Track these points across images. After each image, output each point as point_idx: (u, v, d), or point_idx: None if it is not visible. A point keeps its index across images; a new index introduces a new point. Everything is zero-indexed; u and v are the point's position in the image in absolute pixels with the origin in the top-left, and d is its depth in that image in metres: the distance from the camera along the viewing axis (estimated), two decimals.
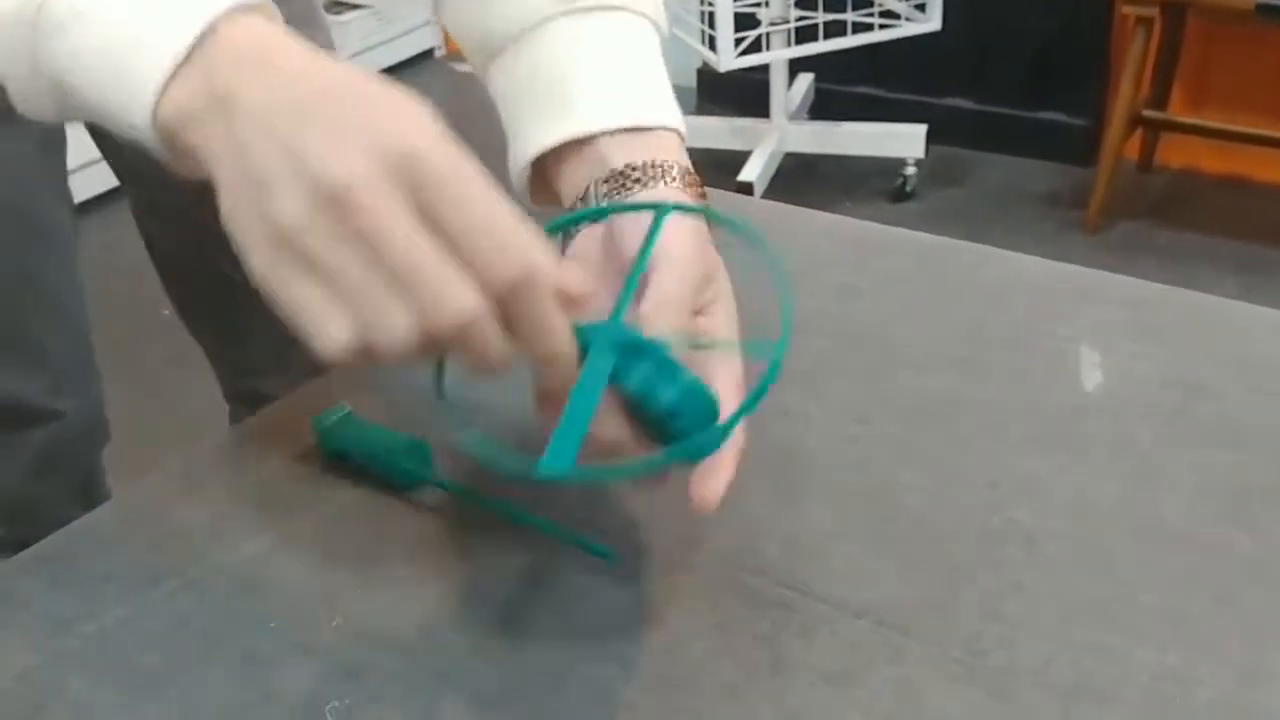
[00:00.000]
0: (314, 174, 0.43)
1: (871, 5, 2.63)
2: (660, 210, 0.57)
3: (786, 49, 2.67)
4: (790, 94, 2.89)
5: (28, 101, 0.55)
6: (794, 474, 0.70)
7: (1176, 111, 2.77)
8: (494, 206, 0.45)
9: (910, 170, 2.82)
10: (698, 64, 2.99)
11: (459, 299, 0.43)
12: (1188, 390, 0.75)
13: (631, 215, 0.59)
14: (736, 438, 0.56)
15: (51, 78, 0.53)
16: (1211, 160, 2.80)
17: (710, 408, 0.53)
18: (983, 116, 2.96)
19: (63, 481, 1.02)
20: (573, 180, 0.63)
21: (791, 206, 1.01)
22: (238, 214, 0.46)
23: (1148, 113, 2.65)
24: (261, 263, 0.45)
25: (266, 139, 0.44)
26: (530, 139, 0.64)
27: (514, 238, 0.44)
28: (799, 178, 2.88)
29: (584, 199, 0.62)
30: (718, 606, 0.62)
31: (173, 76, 0.48)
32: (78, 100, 0.52)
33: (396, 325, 0.43)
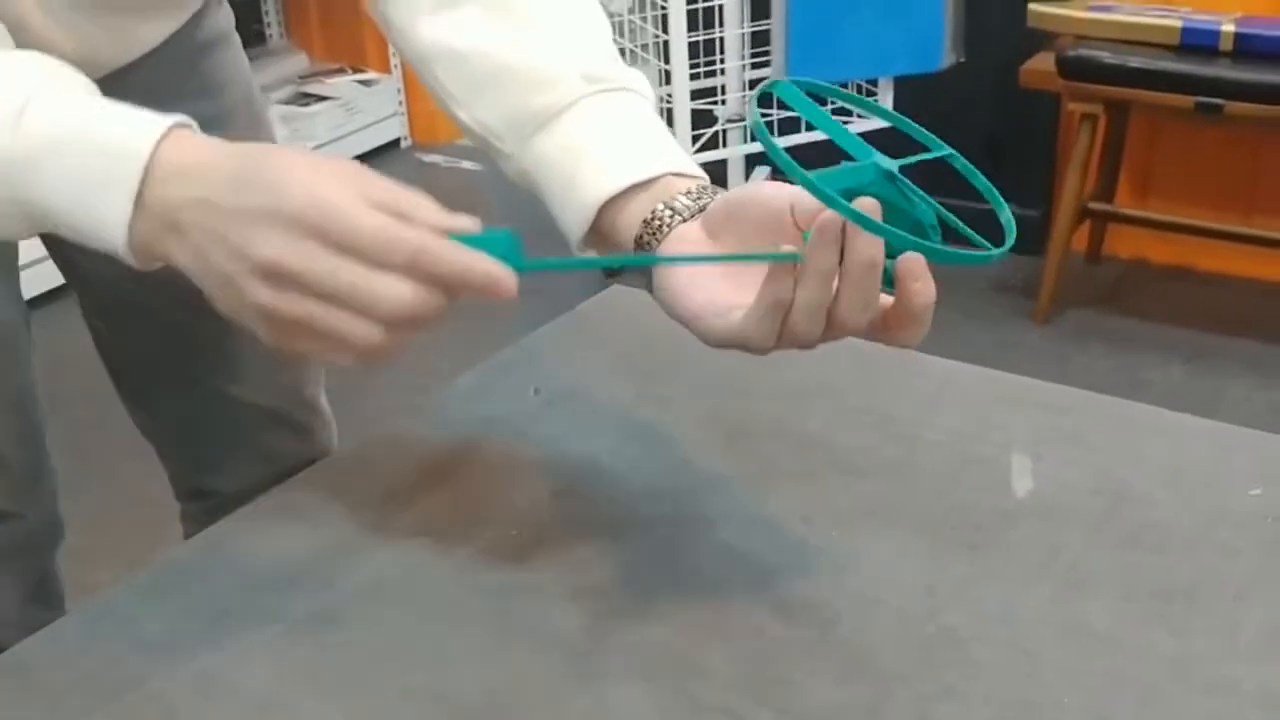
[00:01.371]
0: (255, 262, 0.59)
1: (825, 102, 2.70)
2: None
3: (742, 145, 2.73)
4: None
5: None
6: (735, 581, 0.72)
7: (1123, 203, 2.84)
8: (369, 221, 0.59)
9: None
10: None
11: (388, 292, 0.59)
12: (1115, 496, 0.78)
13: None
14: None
15: (28, 206, 0.63)
16: (1158, 250, 2.87)
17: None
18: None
19: (17, 582, 1.03)
20: (638, 211, 0.73)
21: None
22: (225, 305, 0.62)
23: (1094, 205, 2.72)
24: (264, 334, 0.62)
25: (215, 247, 0.60)
26: (596, 187, 0.74)
27: (391, 232, 0.59)
28: None
29: (650, 221, 0.73)
30: (659, 713, 0.64)
31: (133, 217, 0.61)
32: (55, 226, 0.64)
33: (359, 333, 0.60)
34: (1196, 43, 2.43)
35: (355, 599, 0.72)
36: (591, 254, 0.78)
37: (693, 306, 0.68)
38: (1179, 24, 2.44)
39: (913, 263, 0.62)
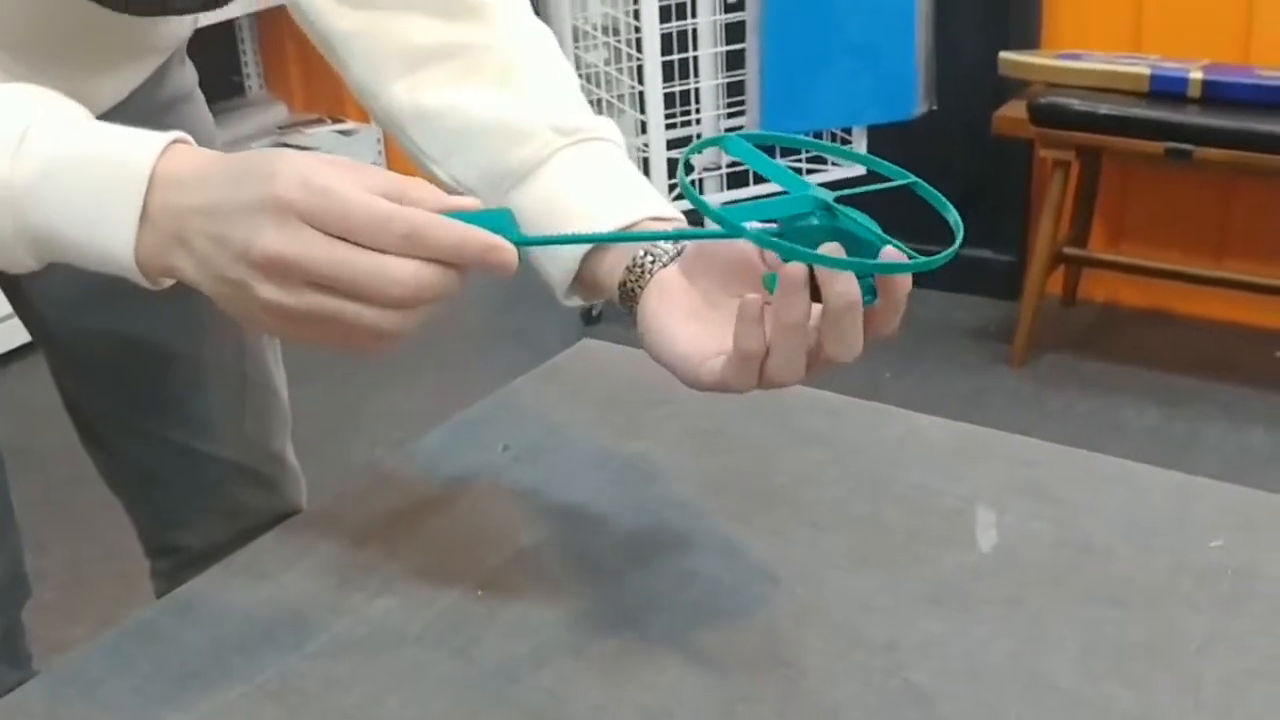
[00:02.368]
0: (256, 258, 0.59)
1: (800, 153, 2.73)
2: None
3: (719, 193, 2.75)
4: None
5: (5, 256, 0.65)
6: (704, 638, 0.73)
7: (1096, 248, 2.87)
8: (360, 201, 0.59)
9: None
10: None
11: (390, 273, 0.60)
12: (1078, 549, 0.79)
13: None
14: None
15: (34, 234, 0.64)
16: (1132, 294, 2.90)
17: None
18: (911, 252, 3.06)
19: None
20: (620, 259, 0.74)
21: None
22: (239, 314, 0.63)
23: (1068, 250, 2.75)
24: (280, 333, 0.63)
25: (219, 252, 0.61)
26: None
27: (385, 211, 0.60)
28: None
29: (632, 268, 0.73)
30: None
31: (139, 233, 0.62)
32: (62, 253, 0.65)
33: (368, 318, 0.60)
34: (1165, 90, 2.47)
35: (322, 661, 0.72)
36: (576, 302, 0.80)
37: (677, 352, 0.69)
38: (1148, 71, 2.48)
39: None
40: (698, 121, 2.71)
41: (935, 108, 2.63)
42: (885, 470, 0.88)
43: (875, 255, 0.63)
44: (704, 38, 2.61)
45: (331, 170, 0.61)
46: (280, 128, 3.57)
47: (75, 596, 2.03)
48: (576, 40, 2.81)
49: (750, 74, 2.58)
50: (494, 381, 1.01)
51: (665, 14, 2.52)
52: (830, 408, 0.96)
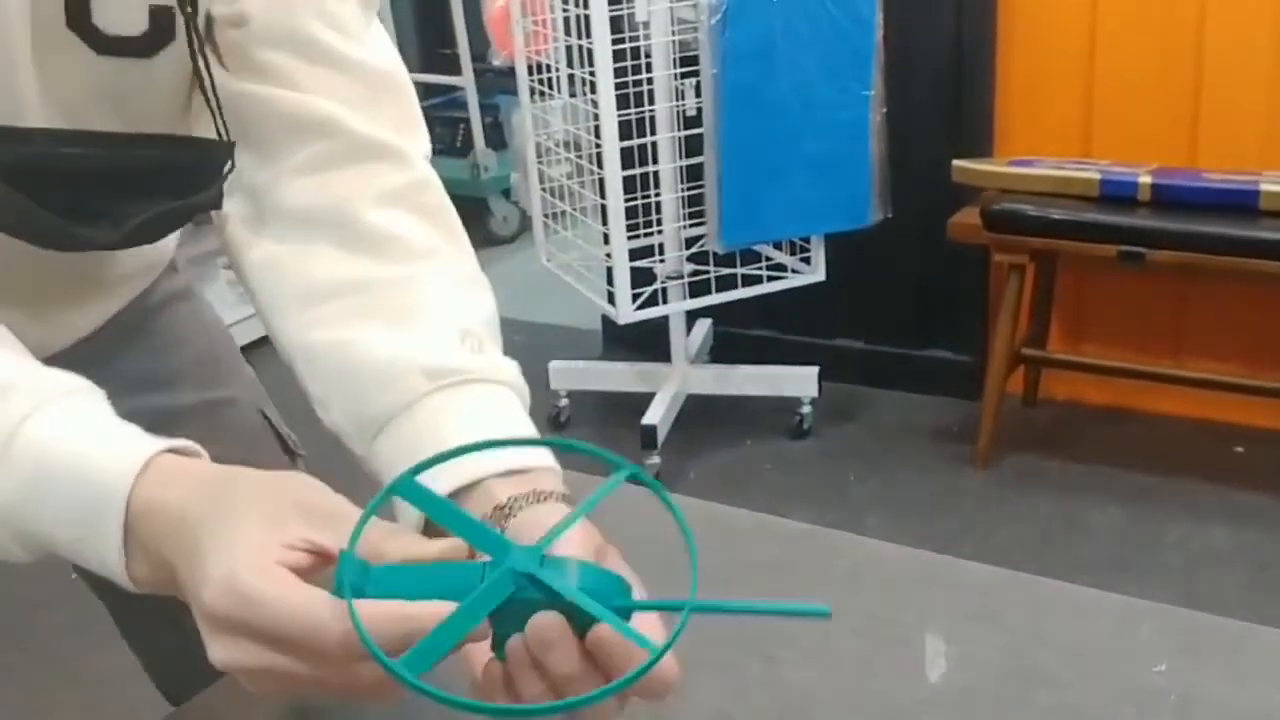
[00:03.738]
0: (203, 614, 0.59)
1: (760, 260, 2.78)
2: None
3: (682, 301, 2.79)
4: (690, 339, 3.00)
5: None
6: None
7: (1055, 348, 2.91)
8: (287, 615, 0.57)
9: (806, 409, 2.92)
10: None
11: (325, 680, 0.58)
12: (1026, 677, 0.80)
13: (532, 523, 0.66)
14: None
15: (28, 539, 0.65)
16: (1092, 393, 2.93)
17: (620, 585, 0.62)
18: (872, 356, 3.10)
19: None
20: (473, 508, 0.69)
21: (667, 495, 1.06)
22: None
23: (1027, 350, 2.79)
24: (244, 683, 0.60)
25: (186, 593, 0.60)
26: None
27: (311, 627, 0.57)
28: (702, 418, 2.96)
29: (485, 517, 0.68)
30: None
31: (127, 562, 0.63)
32: (60, 556, 0.65)
33: (326, 679, 0.58)
34: (1116, 194, 2.53)
35: None
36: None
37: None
38: (1098, 176, 2.54)
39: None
40: (659, 232, 2.75)
41: (891, 215, 2.68)
42: (837, 599, 0.88)
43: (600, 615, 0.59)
44: (663, 152, 2.66)
45: (265, 575, 0.58)
46: None
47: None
48: (540, 156, 2.86)
49: (709, 187, 2.62)
50: None
51: (625, 130, 2.57)
52: (782, 535, 0.97)
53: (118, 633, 1.08)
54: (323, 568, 0.60)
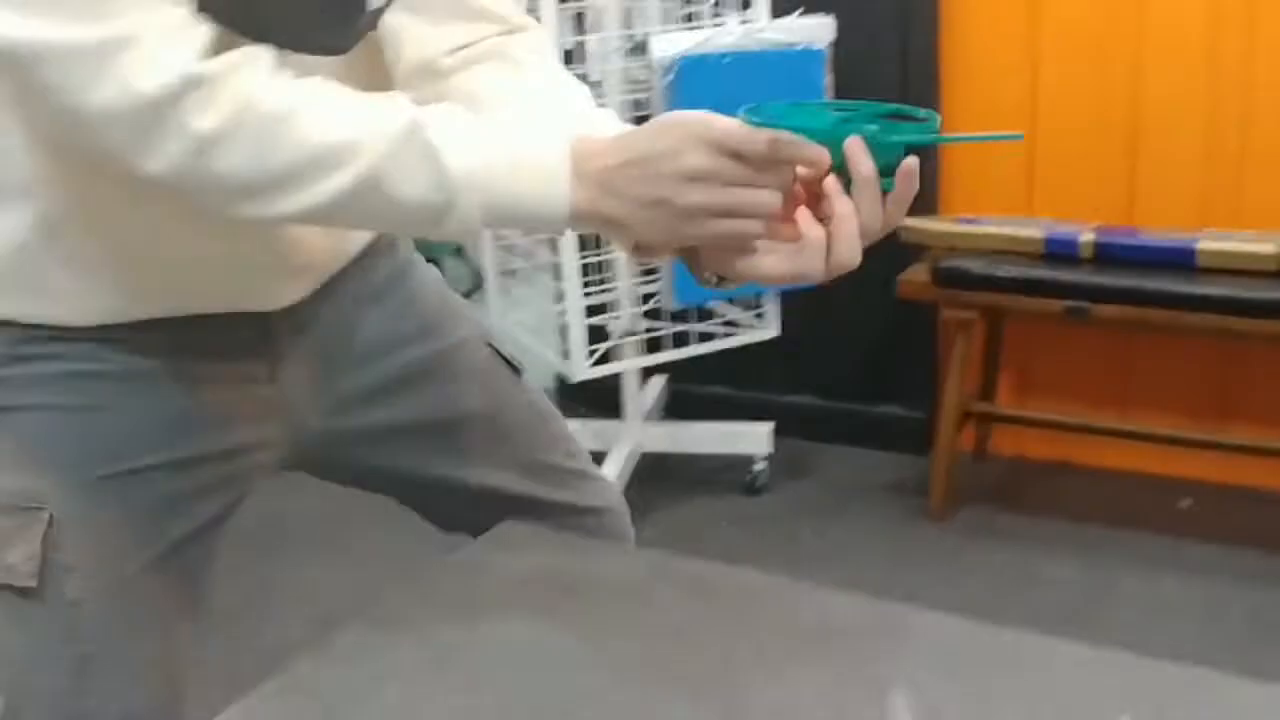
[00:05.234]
0: (687, 173, 0.88)
1: (714, 316, 2.80)
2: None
3: (636, 359, 2.80)
4: (645, 396, 3.01)
5: (457, 221, 0.91)
6: None
7: (1004, 403, 2.95)
8: (756, 139, 0.88)
9: (760, 466, 2.93)
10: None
11: (768, 181, 0.89)
12: None
13: None
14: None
15: (467, 198, 0.90)
16: (1041, 447, 2.97)
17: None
18: (826, 412, 3.13)
19: None
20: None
21: (625, 549, 1.07)
22: (655, 227, 0.90)
23: (976, 406, 2.82)
24: (691, 232, 0.90)
25: (649, 185, 0.89)
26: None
27: (751, 135, 0.89)
28: (656, 475, 2.96)
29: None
30: None
31: (572, 192, 0.91)
32: (497, 214, 0.92)
33: (753, 201, 0.89)
34: (1060, 251, 2.57)
35: None
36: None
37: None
38: (1042, 234, 2.59)
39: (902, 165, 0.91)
40: (613, 289, 2.76)
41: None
42: (801, 653, 0.89)
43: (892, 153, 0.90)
44: None
45: (710, 122, 0.89)
46: None
47: None
48: None
49: None
50: (412, 553, 1.01)
51: None
52: (748, 588, 0.98)
53: None
54: None
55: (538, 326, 2.84)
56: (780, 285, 1.00)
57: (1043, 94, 2.76)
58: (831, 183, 0.89)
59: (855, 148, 0.88)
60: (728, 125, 0.89)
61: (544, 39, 1.14)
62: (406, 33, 1.07)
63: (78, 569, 1.01)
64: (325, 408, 1.14)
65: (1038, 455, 2.99)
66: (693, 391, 3.18)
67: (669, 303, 2.67)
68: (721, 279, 0.96)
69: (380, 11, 0.98)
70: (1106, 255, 2.55)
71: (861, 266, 2.83)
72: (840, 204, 0.89)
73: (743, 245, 0.91)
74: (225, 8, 0.87)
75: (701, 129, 0.89)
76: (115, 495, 1.02)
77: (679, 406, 3.20)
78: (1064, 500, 2.84)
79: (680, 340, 2.78)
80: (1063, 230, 2.59)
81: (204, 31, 0.87)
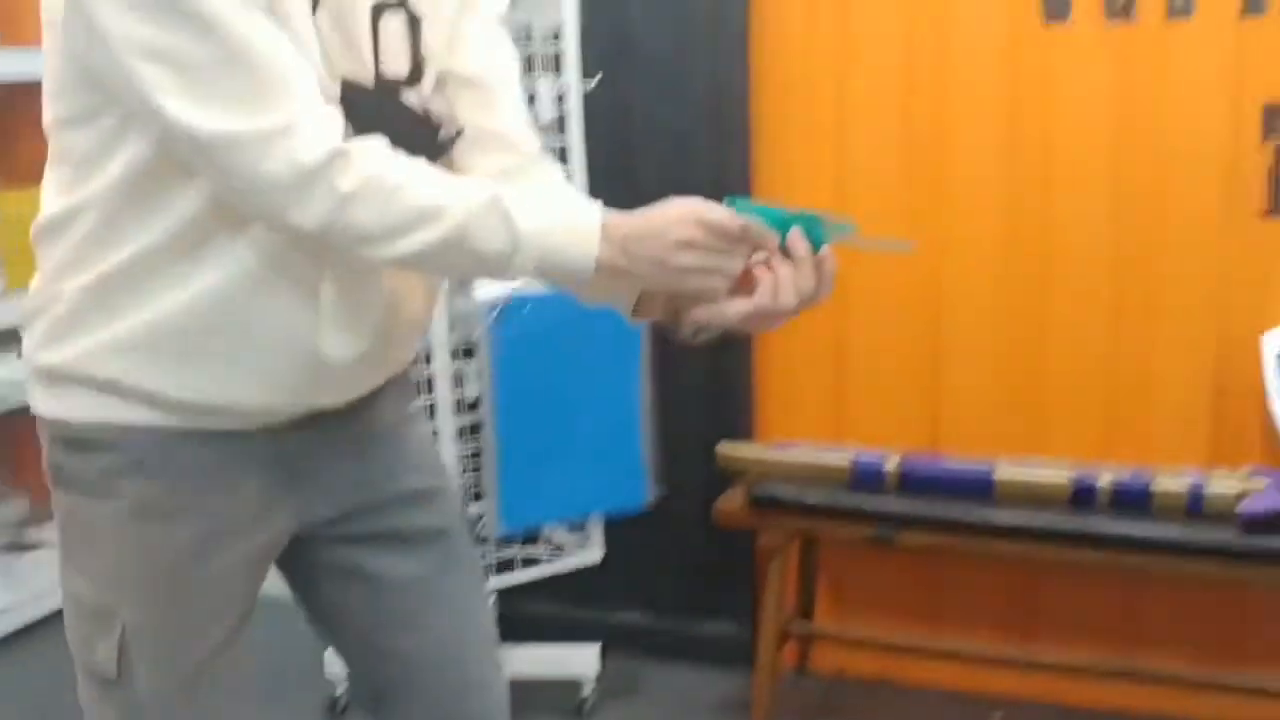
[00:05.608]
0: (680, 241, 1.24)
1: (539, 540, 2.85)
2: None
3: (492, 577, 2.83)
4: None
5: (514, 268, 1.26)
6: None
7: (822, 622, 3.02)
8: (733, 223, 1.25)
9: (589, 687, 2.94)
10: None
11: (736, 260, 1.27)
12: None
13: None
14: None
15: (528, 251, 1.25)
16: (861, 664, 3.03)
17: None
18: (653, 631, 3.16)
19: None
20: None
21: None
22: (657, 276, 1.26)
23: (795, 625, 2.90)
24: (684, 283, 1.26)
25: (653, 246, 1.24)
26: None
27: (729, 219, 1.25)
28: None
29: None
30: None
31: (599, 249, 1.25)
32: (545, 264, 1.26)
33: (728, 264, 1.26)
34: (866, 478, 2.68)
35: None
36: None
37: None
38: (849, 461, 2.71)
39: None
40: None
41: (665, 494, 2.79)
42: None
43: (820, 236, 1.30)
44: (444, 436, 2.74)
45: (702, 205, 1.25)
46: (19, 524, 3.49)
47: None
48: None
49: (488, 470, 2.70)
50: None
51: None
52: None
53: None
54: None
55: None
56: (740, 326, 1.29)
57: (851, 322, 2.91)
58: (779, 256, 1.27)
59: (795, 235, 1.27)
60: (714, 210, 1.24)
61: (562, 175, 1.52)
62: (465, 159, 1.41)
63: (146, 662, 1.33)
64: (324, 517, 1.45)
65: (857, 672, 3.05)
66: (520, 613, 3.20)
67: (494, 529, 2.72)
68: (698, 330, 1.30)
69: (450, 143, 1.38)
70: (910, 481, 2.66)
71: (686, 487, 2.90)
72: (783, 268, 1.26)
73: (713, 298, 1.26)
74: (354, 124, 1.25)
75: (695, 212, 1.24)
76: (177, 601, 1.35)
77: (506, 628, 3.20)
78: (883, 716, 2.90)
79: (506, 564, 2.82)
80: (869, 457, 2.71)
81: (341, 122, 1.23)
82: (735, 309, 1.26)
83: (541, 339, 2.64)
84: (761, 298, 1.25)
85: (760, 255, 1.27)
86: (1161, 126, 2.60)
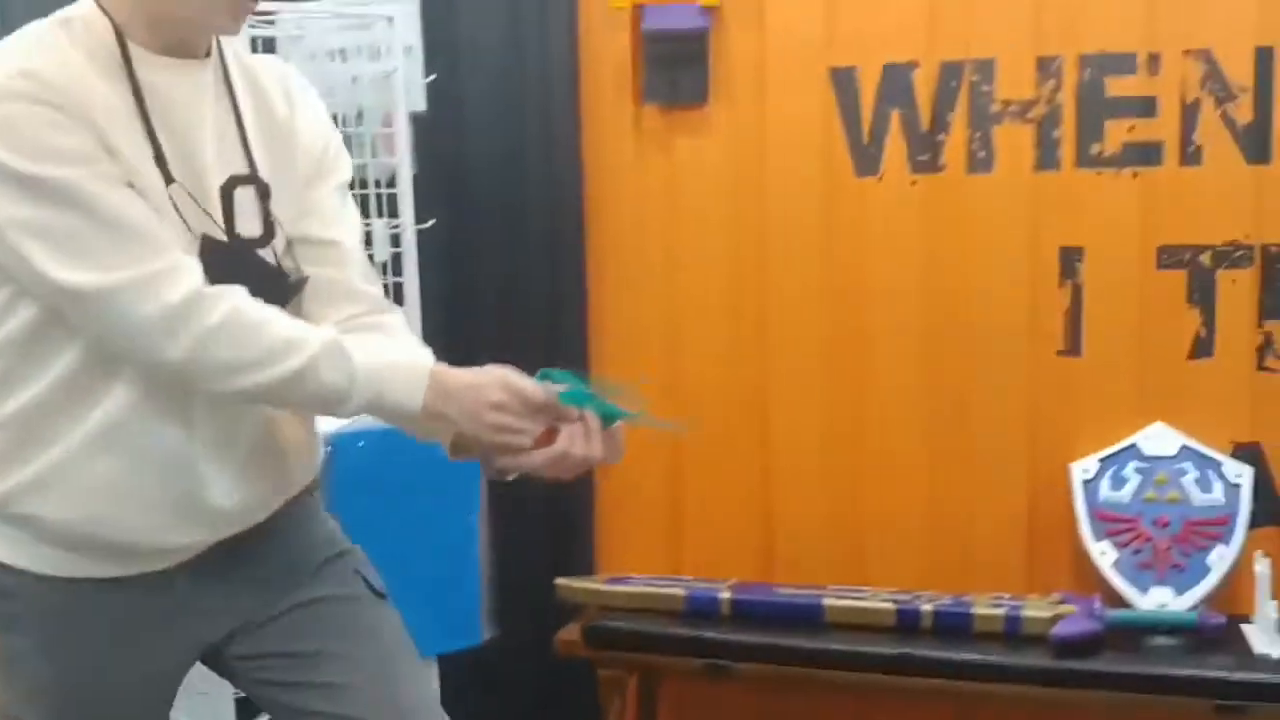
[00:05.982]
0: (492, 403, 1.45)
1: None
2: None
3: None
4: None
5: (350, 404, 1.44)
6: None
7: None
8: (538, 395, 1.47)
9: None
10: None
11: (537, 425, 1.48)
12: None
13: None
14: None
15: (362, 389, 1.44)
16: None
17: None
18: None
19: None
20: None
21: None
22: (472, 427, 1.46)
23: None
24: (494, 439, 1.47)
25: (469, 400, 1.45)
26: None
27: (536, 391, 1.47)
28: None
29: None
30: None
31: (425, 394, 1.44)
32: (378, 402, 1.45)
33: (529, 428, 1.47)
34: (700, 609, 2.73)
35: None
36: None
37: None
38: (683, 592, 2.75)
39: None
40: None
41: (501, 631, 2.78)
42: None
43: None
44: None
45: (514, 375, 1.46)
46: None
47: None
48: None
49: None
50: None
51: None
52: None
53: None
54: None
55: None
56: (537, 473, 1.49)
57: (687, 457, 2.98)
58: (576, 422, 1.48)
59: (588, 414, 1.48)
60: (524, 381, 1.46)
61: (404, 320, 1.65)
62: (314, 310, 1.55)
63: None
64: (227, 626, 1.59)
65: None
66: None
67: None
68: (502, 470, 1.49)
69: (299, 287, 1.54)
70: (743, 612, 2.71)
71: (524, 622, 2.88)
72: (575, 429, 1.47)
73: (516, 451, 1.46)
74: (212, 275, 1.41)
75: (508, 380, 1.45)
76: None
77: None
78: None
79: None
80: (703, 588, 2.76)
81: (201, 270, 1.40)
82: (532, 459, 1.47)
83: (377, 475, 2.64)
84: (554, 452, 1.47)
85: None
86: (967, 271, 2.77)
